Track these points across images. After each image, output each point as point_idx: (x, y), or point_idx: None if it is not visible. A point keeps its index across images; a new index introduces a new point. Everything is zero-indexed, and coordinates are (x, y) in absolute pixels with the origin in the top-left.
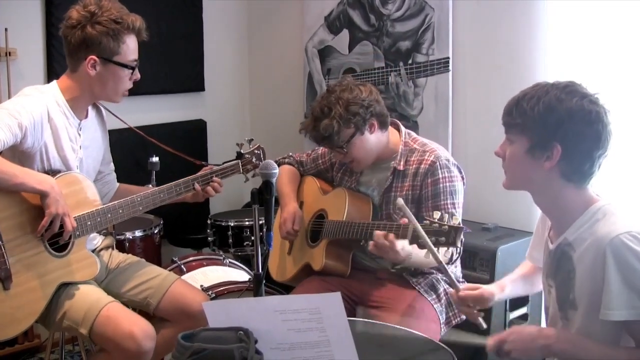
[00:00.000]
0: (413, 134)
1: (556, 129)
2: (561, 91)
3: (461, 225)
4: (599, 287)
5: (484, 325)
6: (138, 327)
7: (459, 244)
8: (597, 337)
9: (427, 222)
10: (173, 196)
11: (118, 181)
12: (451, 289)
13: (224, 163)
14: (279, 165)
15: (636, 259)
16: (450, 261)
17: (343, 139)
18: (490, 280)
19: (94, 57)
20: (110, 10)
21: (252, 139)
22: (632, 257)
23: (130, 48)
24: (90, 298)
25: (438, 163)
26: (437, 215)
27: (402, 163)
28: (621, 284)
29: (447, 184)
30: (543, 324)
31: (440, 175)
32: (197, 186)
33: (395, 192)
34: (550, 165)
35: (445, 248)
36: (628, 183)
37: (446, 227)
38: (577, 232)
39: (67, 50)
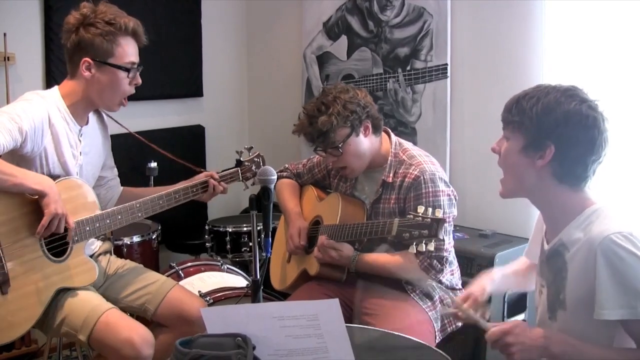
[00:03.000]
0: (404, 143)
1: (552, 129)
2: (562, 94)
3: (443, 217)
4: (591, 287)
5: (487, 317)
6: (137, 334)
7: (440, 236)
8: (587, 338)
9: (411, 216)
10: (172, 203)
11: None
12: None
13: (223, 170)
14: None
15: (627, 258)
16: (431, 271)
17: (339, 138)
18: None
19: (87, 59)
20: (104, 13)
21: (252, 147)
22: (623, 255)
23: (125, 50)
24: (89, 304)
25: (422, 177)
26: (420, 209)
27: (390, 175)
28: (613, 283)
29: (431, 198)
30: None
31: (424, 190)
32: (224, 185)
33: (384, 204)
34: (542, 164)
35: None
36: (627, 185)
37: (428, 219)
38: (571, 233)
39: (66, 55)
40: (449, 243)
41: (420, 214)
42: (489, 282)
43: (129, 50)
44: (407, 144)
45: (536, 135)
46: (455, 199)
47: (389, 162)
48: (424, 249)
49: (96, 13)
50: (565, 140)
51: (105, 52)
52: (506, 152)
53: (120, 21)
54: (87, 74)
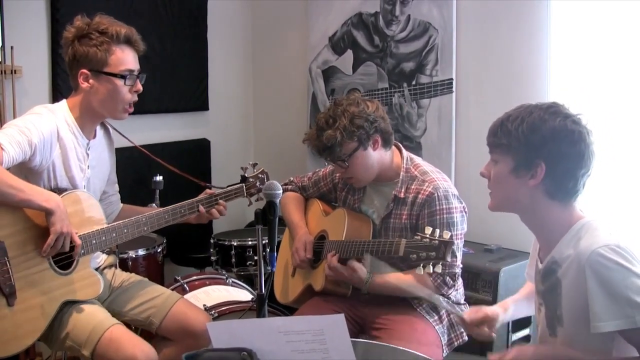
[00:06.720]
0: (415, 159)
1: (540, 148)
2: (545, 112)
3: (451, 239)
4: (584, 302)
5: (494, 335)
6: (140, 351)
7: (448, 259)
8: (587, 352)
9: (418, 237)
10: (177, 218)
11: (122, 200)
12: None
13: (228, 186)
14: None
15: (615, 269)
16: (444, 288)
17: (345, 152)
18: (493, 301)
19: (84, 70)
20: (98, 23)
21: (257, 163)
22: (611, 267)
23: (120, 58)
24: (94, 319)
25: (436, 194)
26: (428, 230)
27: (402, 191)
28: (604, 295)
29: (445, 215)
30: None
31: (437, 207)
32: (201, 208)
33: (395, 219)
34: (534, 183)
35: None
36: (622, 196)
37: (436, 241)
38: (562, 250)
39: (67, 70)
40: (460, 259)
41: (427, 235)
42: (502, 311)
43: (124, 58)
44: (418, 160)
45: (526, 155)
46: (466, 213)
47: (400, 177)
48: (432, 271)
49: (90, 25)
50: (554, 156)
51: (100, 62)
52: (496, 175)
53: (113, 30)
54: (85, 85)
